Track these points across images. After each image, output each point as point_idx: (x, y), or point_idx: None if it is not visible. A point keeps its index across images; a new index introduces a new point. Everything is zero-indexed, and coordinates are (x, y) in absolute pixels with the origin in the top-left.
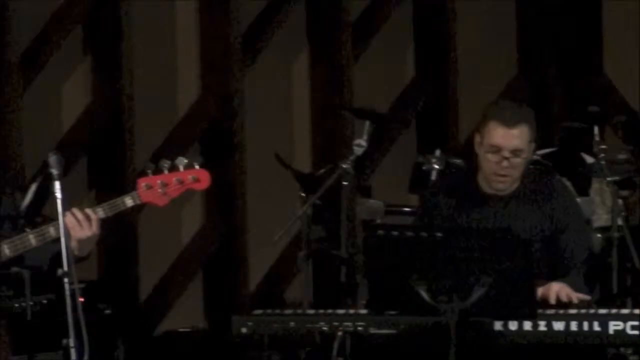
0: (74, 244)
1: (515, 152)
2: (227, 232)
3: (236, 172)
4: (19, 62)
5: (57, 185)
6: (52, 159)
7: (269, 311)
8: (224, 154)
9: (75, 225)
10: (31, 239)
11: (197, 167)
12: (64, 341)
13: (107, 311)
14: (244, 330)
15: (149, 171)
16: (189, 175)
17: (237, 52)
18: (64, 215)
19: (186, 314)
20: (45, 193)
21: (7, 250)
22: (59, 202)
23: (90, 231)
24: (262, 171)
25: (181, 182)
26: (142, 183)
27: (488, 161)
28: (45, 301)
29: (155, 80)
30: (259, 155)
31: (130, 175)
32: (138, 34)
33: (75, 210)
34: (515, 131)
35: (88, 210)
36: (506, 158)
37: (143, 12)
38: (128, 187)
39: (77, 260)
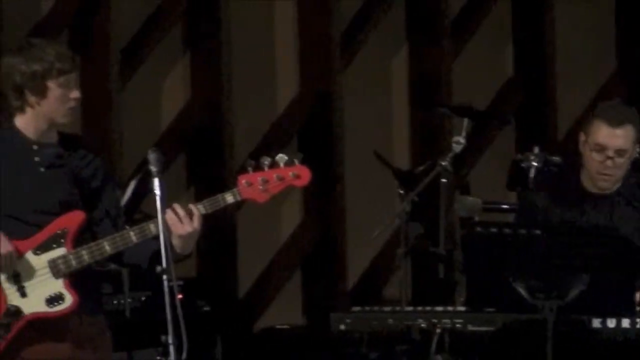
0: (175, 240)
1: (619, 152)
2: (325, 228)
3: (335, 169)
4: (119, 58)
5: (156, 182)
6: (152, 155)
7: (367, 308)
8: (323, 150)
9: (177, 222)
10: (131, 236)
11: (297, 163)
12: (163, 338)
13: (206, 308)
14: (342, 327)
15: (250, 168)
16: (290, 171)
17: (336, 48)
18: (163, 212)
19: (284, 311)
20: (144, 190)
21: (107, 247)
22: (158, 199)
23: (191, 227)
24: (360, 168)
25: (281, 179)
26: (243, 180)
27: (592, 160)
28: (144, 298)
29: (255, 76)
30: (358, 152)
31: (229, 172)
32: (237, 30)
33: (177, 207)
34: (619, 131)
35: (190, 206)
36: (610, 157)
37: (242, 8)
38: (227, 183)
39: (179, 258)
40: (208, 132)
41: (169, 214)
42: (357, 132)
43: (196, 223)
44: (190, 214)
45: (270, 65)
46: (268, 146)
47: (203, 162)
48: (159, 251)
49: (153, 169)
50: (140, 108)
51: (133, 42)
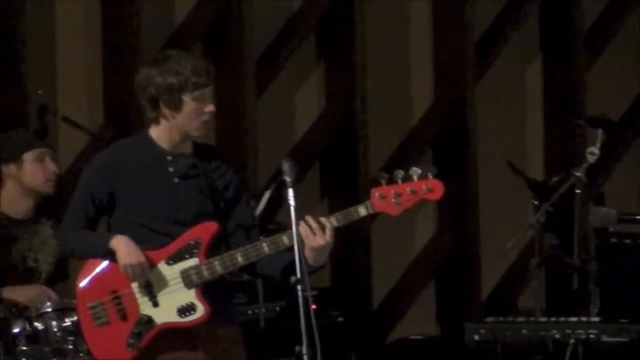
0: (307, 253)
1: None
2: (459, 239)
3: (469, 179)
4: (254, 68)
5: (290, 192)
6: (286, 165)
7: (501, 319)
8: (457, 161)
9: (309, 234)
10: (264, 247)
11: (431, 177)
12: (297, 348)
13: (340, 318)
14: (476, 337)
15: (383, 181)
16: (423, 185)
17: (471, 58)
18: (298, 223)
19: (418, 322)
20: (278, 200)
21: (239, 258)
22: (292, 209)
23: (324, 240)
24: (494, 179)
25: (414, 192)
26: (376, 193)
27: None
28: (278, 308)
29: (389, 88)
30: (492, 162)
31: (363, 183)
32: (372, 41)
33: (310, 219)
34: None
35: (322, 219)
36: None
37: (377, 19)
38: (361, 194)
39: (312, 270)
40: (342, 143)
41: (302, 226)
42: (491, 142)
43: (329, 236)
44: (322, 227)
45: (405, 76)
46: (402, 157)
47: (337, 173)
48: (291, 262)
49: (287, 179)
50: (274, 118)
51: (267, 52)
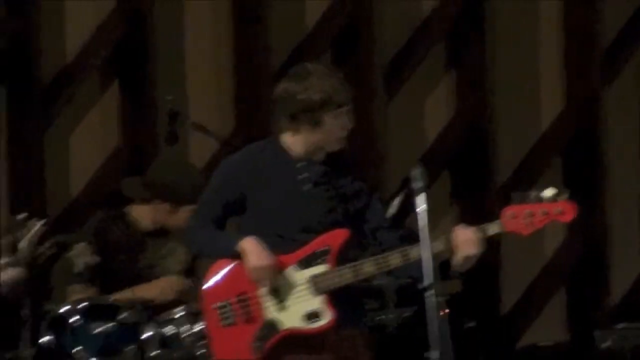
0: (457, 260)
1: None
2: (589, 244)
3: (598, 184)
4: (383, 75)
5: (420, 198)
6: (416, 172)
7: (633, 324)
8: (586, 166)
9: (464, 242)
10: (395, 258)
11: (563, 199)
12: (426, 354)
13: (470, 324)
14: (607, 343)
15: (516, 200)
16: (555, 207)
17: (602, 59)
18: (427, 229)
19: (548, 328)
20: (408, 206)
21: (369, 268)
22: (421, 216)
23: (476, 249)
24: (623, 182)
25: (546, 214)
26: (508, 212)
27: None
28: (408, 314)
29: (518, 95)
30: (621, 166)
31: (492, 191)
32: (501, 46)
33: (462, 229)
34: None
35: (470, 229)
36: None
37: (506, 27)
38: (489, 202)
39: (455, 275)
40: (471, 150)
41: (456, 234)
42: (622, 146)
43: (481, 246)
44: (472, 237)
45: (535, 78)
46: (531, 163)
47: (466, 180)
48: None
49: (417, 185)
50: (403, 125)
51: (396, 60)
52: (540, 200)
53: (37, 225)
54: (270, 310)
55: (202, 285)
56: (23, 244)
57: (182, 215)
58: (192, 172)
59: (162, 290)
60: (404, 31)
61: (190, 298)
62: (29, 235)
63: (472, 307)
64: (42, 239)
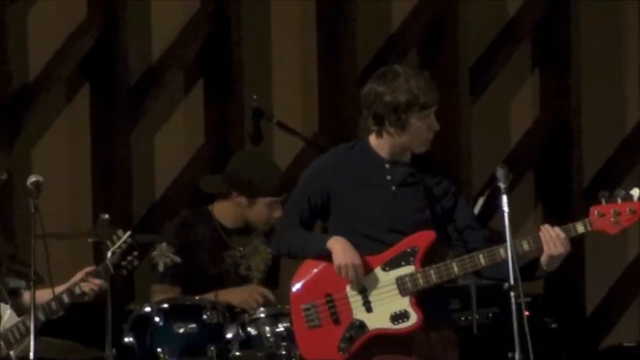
0: (544, 259)
1: None
2: None
3: None
4: (468, 76)
5: (504, 198)
6: (500, 172)
7: None
8: None
9: (550, 242)
10: (481, 258)
11: None
12: (509, 355)
13: (553, 325)
14: None
15: (602, 199)
16: None
17: None
18: (511, 228)
19: (631, 329)
20: (492, 206)
21: (455, 269)
22: (505, 215)
23: (564, 249)
24: None
25: (634, 212)
26: (595, 211)
27: None
28: (491, 314)
29: (602, 92)
30: None
31: (577, 190)
32: (585, 47)
33: (549, 228)
34: None
35: (556, 229)
36: None
37: (589, 27)
38: (574, 202)
39: (542, 276)
40: (556, 151)
41: (543, 234)
42: None
43: (568, 246)
44: (558, 237)
45: (618, 84)
46: (613, 166)
47: (550, 180)
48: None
49: (501, 185)
50: (488, 125)
51: (481, 60)
52: (627, 199)
53: (124, 237)
54: (358, 311)
55: (290, 286)
56: (108, 255)
57: (259, 209)
58: (268, 165)
59: (245, 301)
60: (488, 32)
61: (272, 304)
62: (114, 247)
63: (556, 308)
64: (127, 251)
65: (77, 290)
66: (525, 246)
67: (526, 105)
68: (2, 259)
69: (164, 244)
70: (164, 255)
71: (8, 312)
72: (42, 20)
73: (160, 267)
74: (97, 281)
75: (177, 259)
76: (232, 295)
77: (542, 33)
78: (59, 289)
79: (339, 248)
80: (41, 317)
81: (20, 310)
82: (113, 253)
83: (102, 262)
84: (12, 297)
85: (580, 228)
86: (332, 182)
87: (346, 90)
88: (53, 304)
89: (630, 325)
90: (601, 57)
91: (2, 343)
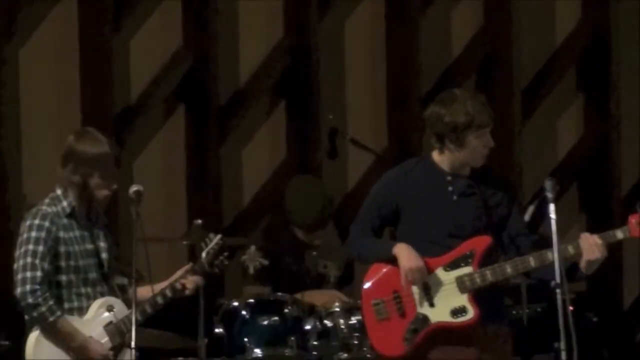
0: (584, 263)
1: None
2: None
3: None
4: (520, 98)
5: (551, 207)
6: (548, 183)
7: None
8: None
9: (589, 248)
10: (531, 260)
11: None
12: (555, 345)
13: (595, 319)
14: None
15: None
16: None
17: None
18: (558, 235)
19: None
20: (541, 214)
21: (508, 269)
22: (553, 223)
23: (601, 254)
24: None
25: None
26: (633, 219)
27: None
28: (539, 309)
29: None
30: None
31: (616, 202)
32: (624, 72)
33: (589, 236)
34: None
35: (595, 237)
36: None
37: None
38: (614, 213)
39: (582, 278)
40: (598, 166)
41: (583, 241)
42: None
43: (605, 251)
44: (597, 244)
45: None
46: None
47: (593, 192)
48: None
49: (549, 195)
50: (538, 142)
51: (532, 84)
52: None
53: (215, 239)
54: (421, 306)
55: (361, 284)
56: (203, 255)
57: (318, 236)
58: (309, 199)
59: (326, 303)
60: (538, 59)
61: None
62: (207, 248)
63: (597, 304)
64: (219, 251)
65: (178, 286)
66: (571, 250)
67: (571, 125)
68: (112, 260)
69: (252, 248)
70: (253, 259)
71: (119, 305)
72: (143, 49)
73: (251, 270)
74: (195, 278)
75: (265, 262)
76: (316, 297)
77: (586, 61)
78: (159, 285)
79: (405, 254)
80: (148, 309)
81: (128, 303)
82: (207, 253)
83: (196, 262)
84: (121, 293)
85: (619, 235)
86: (400, 194)
87: (411, 111)
88: (158, 298)
89: None
90: (638, 84)
91: (115, 332)
